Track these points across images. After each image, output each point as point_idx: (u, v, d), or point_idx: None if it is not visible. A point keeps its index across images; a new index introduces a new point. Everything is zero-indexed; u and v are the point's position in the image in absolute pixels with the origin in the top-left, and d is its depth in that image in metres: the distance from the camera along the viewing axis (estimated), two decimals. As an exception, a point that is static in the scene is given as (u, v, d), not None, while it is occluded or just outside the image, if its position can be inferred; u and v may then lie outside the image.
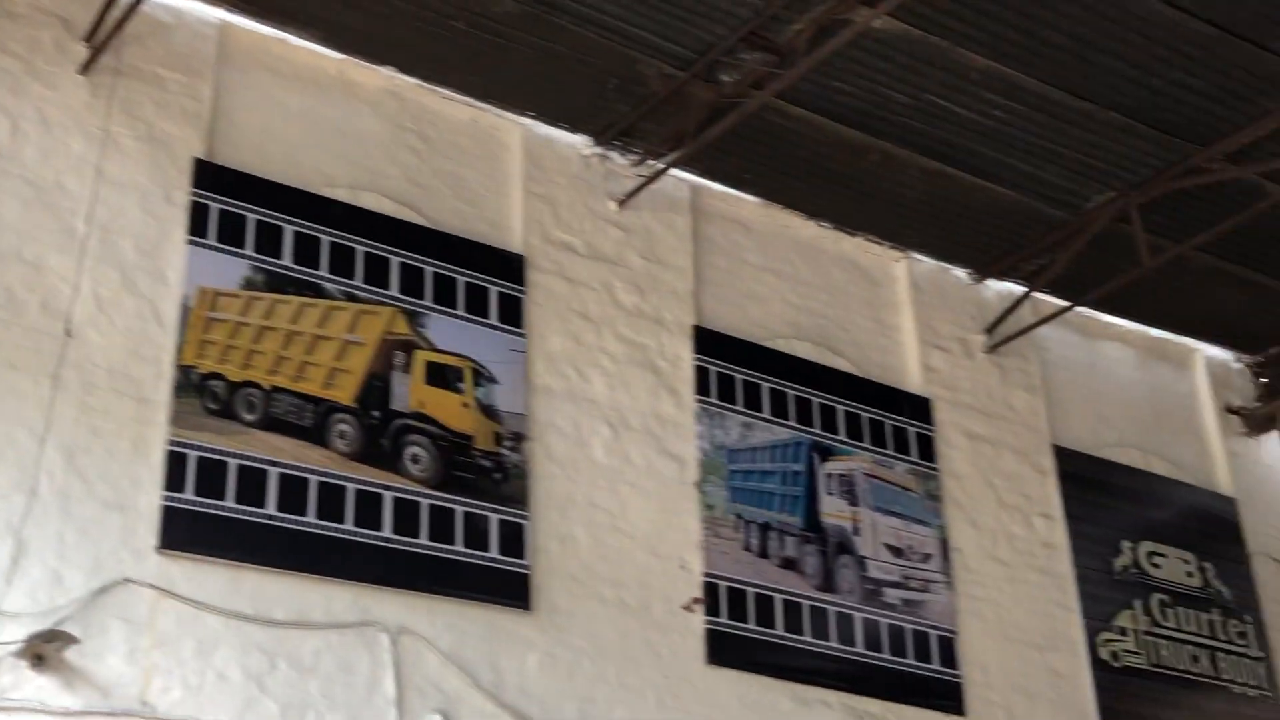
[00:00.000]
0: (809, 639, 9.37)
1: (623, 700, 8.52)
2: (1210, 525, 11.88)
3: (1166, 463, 11.97)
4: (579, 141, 9.91)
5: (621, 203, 9.90)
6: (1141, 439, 11.95)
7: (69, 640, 6.93)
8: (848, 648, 9.50)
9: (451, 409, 8.66)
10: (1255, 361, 12.85)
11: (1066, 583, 10.81)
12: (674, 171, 10.02)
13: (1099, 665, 10.61)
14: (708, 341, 9.91)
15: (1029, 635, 10.40)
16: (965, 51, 9.20)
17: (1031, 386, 11.44)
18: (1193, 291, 11.77)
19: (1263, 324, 12.32)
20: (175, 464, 7.64)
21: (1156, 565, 11.37)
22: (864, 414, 10.40)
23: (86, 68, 8.27)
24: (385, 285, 8.75)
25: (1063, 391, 11.67)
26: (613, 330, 9.53)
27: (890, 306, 11.09)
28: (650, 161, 9.98)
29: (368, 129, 9.19)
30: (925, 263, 11.29)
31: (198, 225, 8.27)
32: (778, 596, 9.38)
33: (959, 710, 9.75)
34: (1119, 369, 12.16)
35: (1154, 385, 12.32)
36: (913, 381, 10.84)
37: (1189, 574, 11.52)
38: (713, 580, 9.16)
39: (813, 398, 10.22)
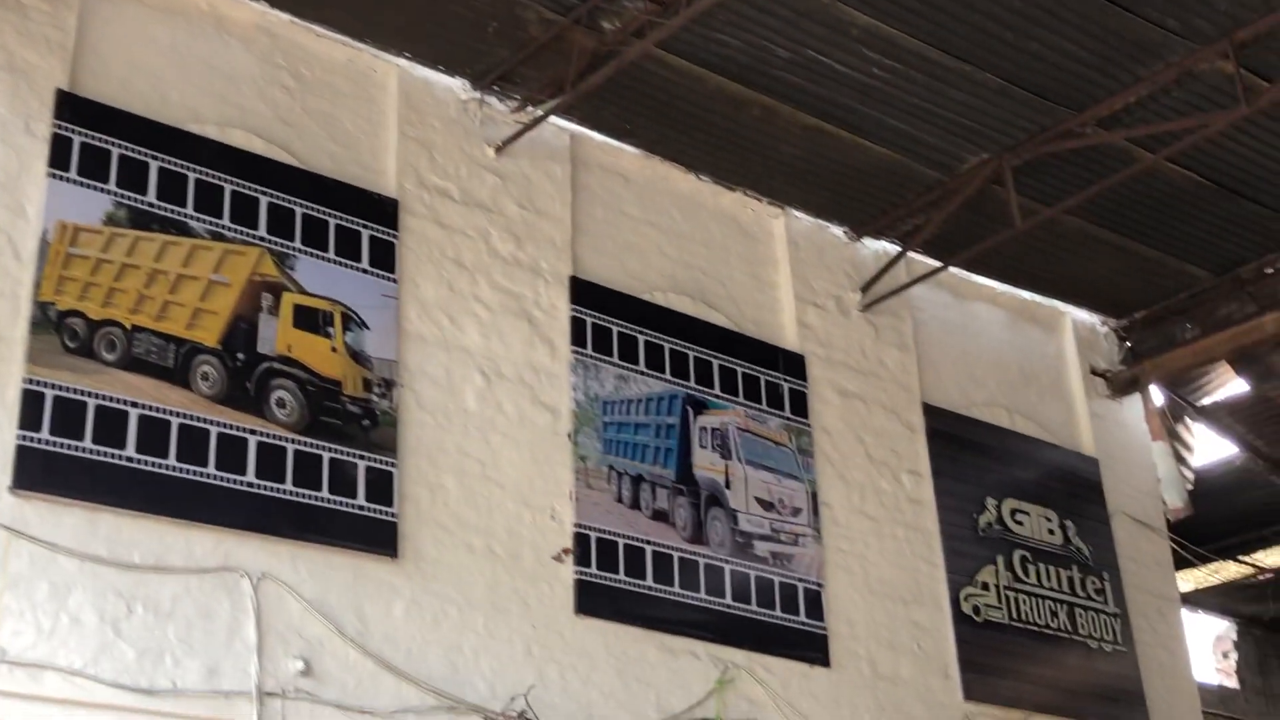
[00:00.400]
0: (678, 590, 9.43)
1: (490, 649, 8.50)
2: (1073, 485, 12.16)
3: (1032, 423, 12.22)
4: (456, 85, 9.78)
5: (499, 149, 9.80)
6: (1009, 399, 12.18)
7: (-86, 581, 6.74)
8: (716, 599, 9.57)
9: (320, 353, 8.52)
10: (1120, 326, 13.15)
11: (932, 538, 11.02)
12: (553, 119, 9.93)
13: (961, 619, 10.83)
14: (584, 292, 9.87)
15: (894, 589, 10.58)
16: (847, 8, 9.21)
17: (904, 345, 11.59)
18: (1062, 255, 12.00)
19: (1129, 289, 12.62)
20: (31, 403, 7.42)
21: (1019, 523, 11.61)
22: (739, 369, 10.46)
23: (-59, -9, 7.99)
24: (253, 225, 8.56)
25: (934, 351, 11.85)
26: (487, 278, 9.45)
27: (767, 263, 11.14)
28: (529, 108, 9.88)
29: (238, 65, 8.97)
30: (803, 220, 11.36)
31: (59, 158, 8.01)
32: (648, 548, 9.42)
33: (824, 662, 9.90)
34: (989, 330, 12.37)
35: (1022, 347, 12.56)
36: (788, 338, 10.92)
37: (1050, 531, 11.79)
38: (583, 531, 9.17)
39: (688, 351, 10.24)
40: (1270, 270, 12.32)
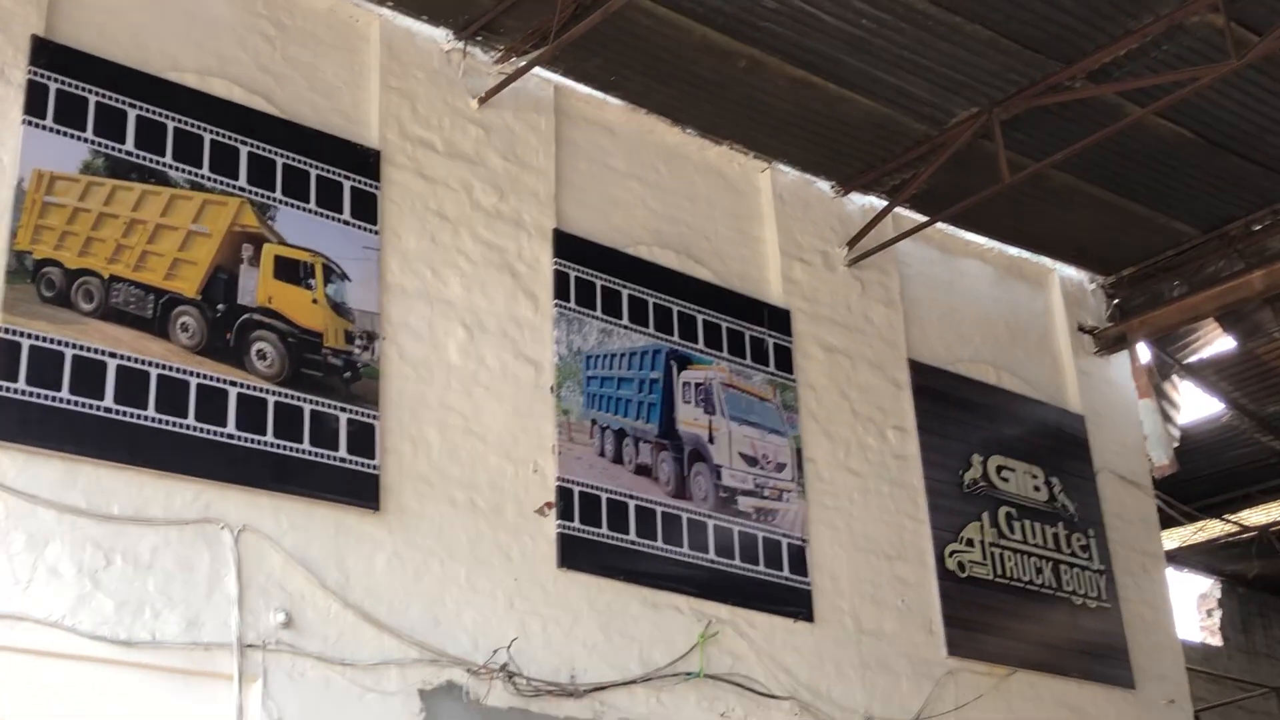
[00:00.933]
0: (661, 545, 9.43)
1: (472, 602, 8.49)
2: (1059, 441, 12.17)
3: (1019, 379, 12.21)
4: (439, 35, 9.68)
5: (482, 100, 9.71)
6: (995, 356, 12.17)
7: (-111, 531, 6.70)
8: (700, 554, 9.58)
9: (301, 305, 8.47)
10: (1108, 282, 13.13)
11: (917, 494, 11.02)
12: (537, 70, 9.85)
13: (946, 575, 10.85)
14: (568, 246, 9.81)
15: (878, 545, 10.60)
16: (834, -43, 9.18)
17: (890, 301, 11.57)
18: (1050, 211, 11.96)
19: (1117, 245, 12.60)
20: (7, 352, 7.35)
21: (1005, 479, 11.62)
22: (723, 323, 10.42)
23: (-86, -66, 7.87)
24: (234, 175, 8.49)
25: (920, 307, 11.83)
26: (470, 231, 9.39)
27: (753, 217, 11.09)
28: (513, 59, 9.79)
29: (218, 13, 8.85)
30: (789, 174, 11.30)
31: (35, 105, 7.91)
32: (631, 502, 9.41)
33: (808, 617, 9.91)
34: (976, 286, 12.35)
35: (1010, 303, 12.54)
36: (773, 292, 10.88)
37: (1036, 488, 11.80)
38: (566, 485, 9.15)
39: (672, 306, 10.20)
40: (1258, 227, 12.32)
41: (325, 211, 8.77)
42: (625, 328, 9.89)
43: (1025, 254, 12.71)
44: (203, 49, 8.72)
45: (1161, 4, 9.62)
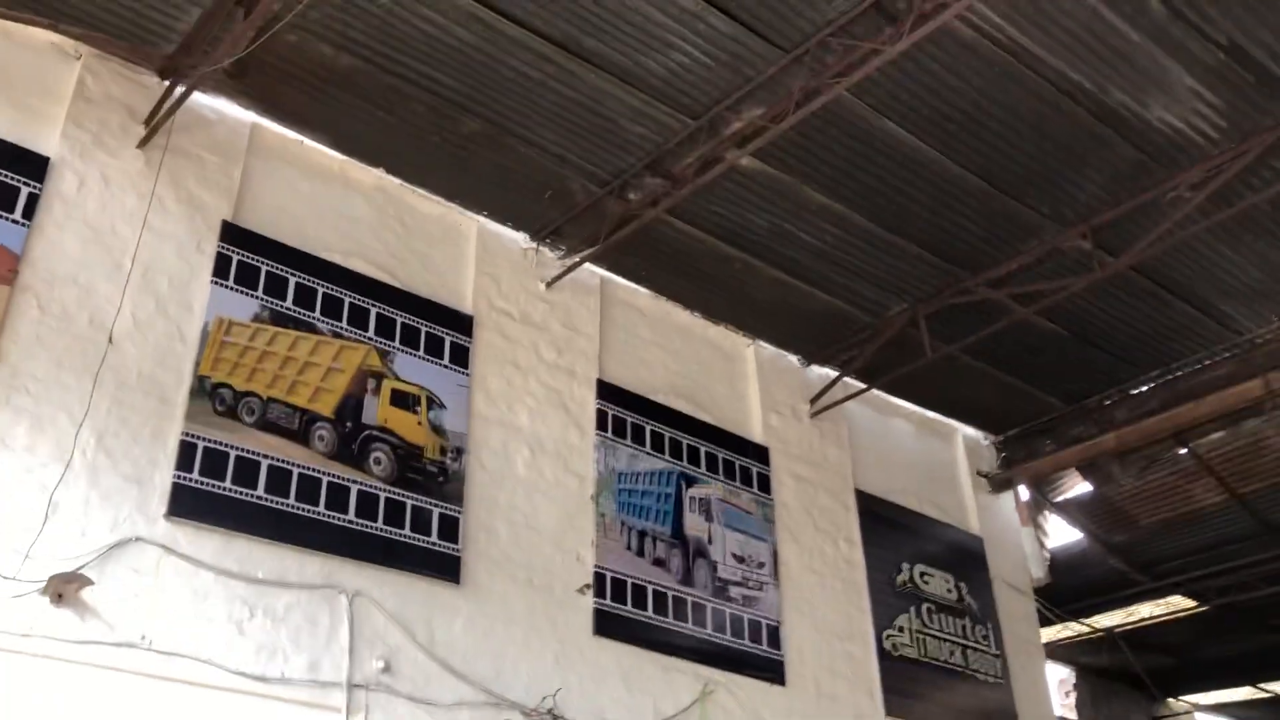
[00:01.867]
0: (672, 621, 8.81)
1: (527, 659, 7.87)
2: (964, 556, 11.56)
3: (935, 508, 11.66)
4: (519, 237, 9.45)
5: (548, 284, 9.43)
6: (918, 490, 11.64)
7: (84, 582, 6.17)
8: (701, 629, 8.95)
9: (409, 426, 8.05)
10: (998, 440, 12.66)
11: (862, 591, 10.38)
12: (588, 265, 9.59)
13: (883, 654, 10.16)
14: (607, 391, 9.41)
15: (833, 628, 9.94)
16: (807, 189, 8.96)
17: (841, 445, 11.09)
18: (958, 384, 11.55)
19: (1005, 411, 12.14)
20: (186, 451, 6.95)
21: (926, 582, 11.00)
22: (720, 455, 9.95)
23: (143, 144, 7.65)
24: (365, 328, 8.16)
25: (863, 451, 11.34)
26: (536, 377, 9.01)
27: (742, 378, 10.70)
28: (571, 256, 9.55)
29: (359, 212, 8.64)
30: (768, 349, 10.94)
31: (221, 270, 7.65)
32: (650, 587, 8.82)
33: (781, 681, 9.23)
34: (902, 438, 11.88)
35: (927, 451, 12.05)
36: (756, 434, 10.42)
37: (949, 590, 11.17)
38: (601, 571, 8.58)
39: (683, 439, 9.75)
40: (1109, 401, 11.88)
41: (431, 358, 8.40)
42: (648, 454, 9.43)
43: (939, 416, 12.27)
44: (347, 237, 8.47)
45: (1045, 231, 9.40)
